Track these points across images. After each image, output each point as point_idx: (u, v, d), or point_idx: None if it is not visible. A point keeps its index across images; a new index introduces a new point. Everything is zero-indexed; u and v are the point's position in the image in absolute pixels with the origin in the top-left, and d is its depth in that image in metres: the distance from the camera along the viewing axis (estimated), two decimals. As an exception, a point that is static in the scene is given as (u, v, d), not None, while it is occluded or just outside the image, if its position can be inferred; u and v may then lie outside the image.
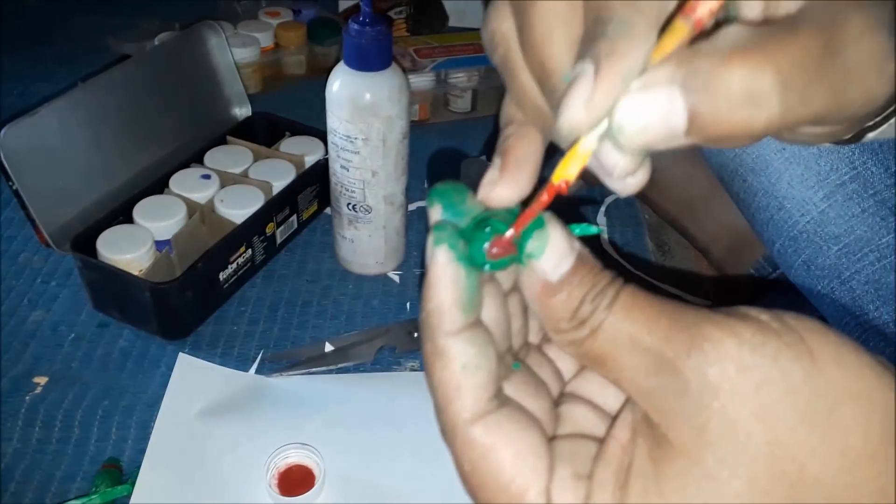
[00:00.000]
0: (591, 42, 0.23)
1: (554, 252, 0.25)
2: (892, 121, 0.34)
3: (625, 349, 0.23)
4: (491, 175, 0.28)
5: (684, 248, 0.87)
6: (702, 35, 0.23)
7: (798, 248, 0.63)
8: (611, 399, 0.28)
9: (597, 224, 0.29)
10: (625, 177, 0.24)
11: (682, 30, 0.22)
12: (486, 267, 0.26)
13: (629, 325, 0.23)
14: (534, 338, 0.31)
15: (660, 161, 0.86)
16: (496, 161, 0.28)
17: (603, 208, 0.91)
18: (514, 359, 0.29)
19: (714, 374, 0.22)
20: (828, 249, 0.61)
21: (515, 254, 0.25)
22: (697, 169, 0.82)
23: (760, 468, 0.22)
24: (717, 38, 0.22)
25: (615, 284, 0.24)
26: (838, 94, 0.23)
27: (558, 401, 0.29)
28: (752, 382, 0.22)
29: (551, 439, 0.27)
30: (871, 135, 0.35)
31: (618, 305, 0.24)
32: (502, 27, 0.28)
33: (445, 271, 0.25)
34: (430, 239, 0.25)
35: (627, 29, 0.23)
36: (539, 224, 0.25)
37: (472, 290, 0.25)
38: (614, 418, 0.26)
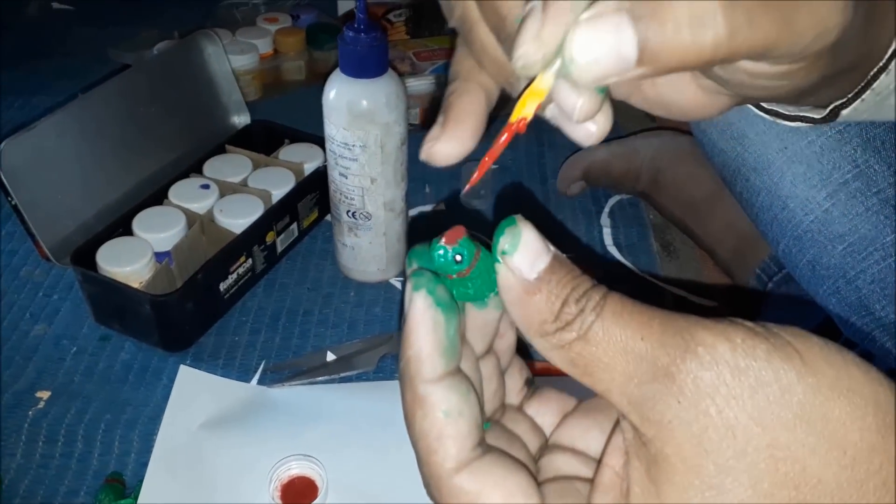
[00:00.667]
0: None
1: (528, 249, 0.24)
2: (864, 98, 0.33)
3: (617, 355, 0.23)
4: (433, 131, 0.28)
5: (690, 248, 0.86)
6: None
7: (803, 248, 0.62)
8: (594, 443, 0.28)
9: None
10: (585, 119, 0.24)
11: None
12: (460, 276, 0.25)
13: (620, 330, 0.23)
14: (514, 399, 0.30)
15: (664, 161, 0.85)
16: (439, 118, 0.28)
17: (607, 209, 0.90)
18: (484, 419, 0.28)
19: (710, 378, 0.22)
20: (832, 249, 0.60)
21: (477, 253, 0.25)
22: (701, 169, 0.82)
23: (762, 472, 0.21)
24: None
25: (600, 289, 0.24)
26: (787, 19, 0.22)
27: (538, 454, 0.29)
28: (748, 385, 0.22)
29: (539, 484, 0.26)
30: (844, 112, 0.35)
31: (607, 310, 0.23)
32: None
33: (424, 317, 0.25)
34: (409, 285, 0.25)
35: None
36: (510, 222, 0.25)
37: (453, 336, 0.25)
38: (605, 447, 0.26)
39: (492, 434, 0.28)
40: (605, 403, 0.28)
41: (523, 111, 0.24)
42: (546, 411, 0.30)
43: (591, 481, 0.26)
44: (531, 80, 0.24)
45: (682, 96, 0.29)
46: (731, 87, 0.27)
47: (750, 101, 0.29)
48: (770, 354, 0.22)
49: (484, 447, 0.25)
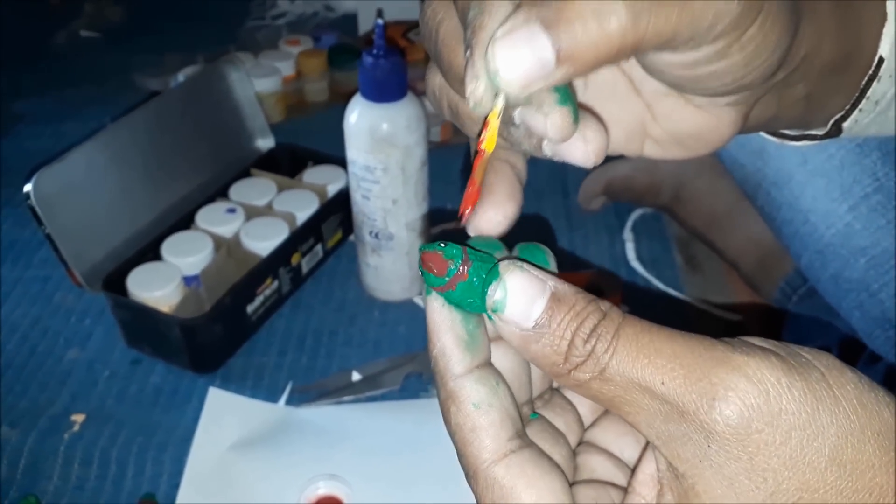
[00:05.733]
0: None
1: (518, 300, 0.24)
2: (861, 108, 0.34)
3: (637, 393, 0.23)
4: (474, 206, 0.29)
5: (714, 262, 0.86)
6: None
7: (825, 262, 0.62)
8: (627, 449, 0.28)
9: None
10: (563, 134, 0.25)
11: None
12: (439, 290, 0.26)
13: (638, 372, 0.23)
14: (553, 383, 0.31)
15: (686, 175, 0.85)
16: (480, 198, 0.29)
17: (629, 224, 0.90)
18: (531, 410, 0.29)
19: (741, 425, 0.22)
20: (855, 262, 0.60)
21: (462, 277, 0.25)
22: (723, 182, 0.81)
23: None
24: None
25: (611, 321, 0.23)
26: (684, 3, 0.24)
27: (576, 450, 0.29)
28: (781, 431, 0.22)
29: (571, 485, 0.26)
30: (845, 125, 0.35)
31: (621, 348, 0.23)
32: (435, 82, 0.30)
33: (441, 315, 0.26)
34: (424, 291, 0.26)
35: (480, 8, 0.25)
36: (494, 275, 0.25)
37: (472, 330, 0.26)
38: (634, 470, 0.26)
39: (538, 426, 0.28)
40: None
41: (481, 138, 0.26)
42: (580, 401, 0.30)
43: (623, 490, 0.27)
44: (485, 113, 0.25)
45: (688, 124, 0.30)
46: (690, 86, 0.28)
47: (741, 91, 0.29)
48: (805, 396, 0.22)
49: (523, 440, 0.26)
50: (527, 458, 0.25)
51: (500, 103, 0.25)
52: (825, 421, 0.22)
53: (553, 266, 0.28)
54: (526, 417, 0.28)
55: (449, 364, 0.25)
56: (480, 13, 0.25)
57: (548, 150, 0.27)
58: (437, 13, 0.28)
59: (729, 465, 0.22)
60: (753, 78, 0.27)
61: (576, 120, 0.25)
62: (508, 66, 0.23)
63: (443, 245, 0.26)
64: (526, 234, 0.28)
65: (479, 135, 0.26)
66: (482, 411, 0.25)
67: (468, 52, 0.25)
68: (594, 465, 0.28)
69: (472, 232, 0.28)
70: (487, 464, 0.25)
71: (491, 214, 0.28)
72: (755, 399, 0.22)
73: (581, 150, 0.26)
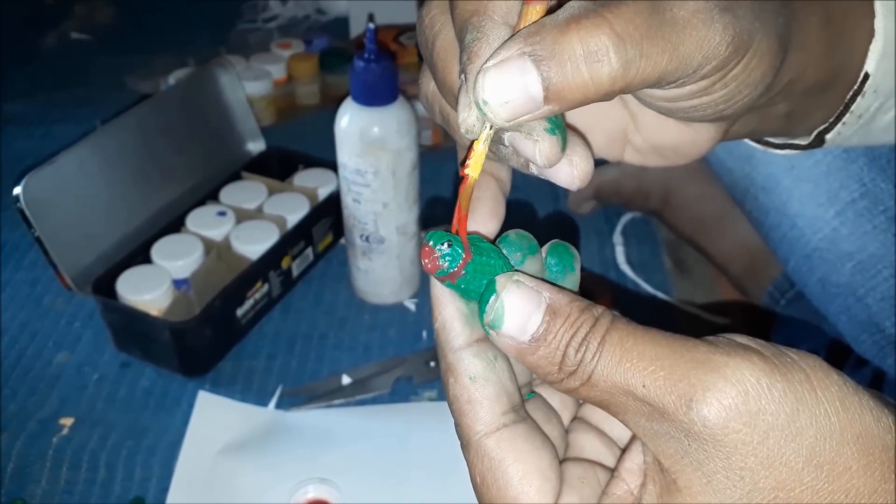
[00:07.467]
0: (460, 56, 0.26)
1: (515, 317, 0.25)
2: (845, 121, 0.34)
3: (622, 396, 0.24)
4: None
5: (703, 265, 0.86)
6: (550, 12, 0.24)
7: (812, 267, 0.63)
8: (617, 428, 0.29)
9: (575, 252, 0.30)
10: (550, 161, 0.25)
11: (529, 13, 0.24)
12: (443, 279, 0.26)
13: (621, 376, 0.23)
14: None
15: (674, 180, 0.86)
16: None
17: (619, 227, 0.91)
18: (529, 390, 0.29)
19: (719, 424, 0.22)
20: (842, 267, 0.60)
21: (452, 280, 0.26)
22: (712, 187, 0.82)
23: None
24: (559, 12, 0.24)
25: (600, 327, 0.24)
26: (674, 47, 0.24)
27: (570, 426, 0.30)
28: (760, 431, 0.22)
29: (561, 462, 0.27)
30: (828, 136, 0.36)
31: (605, 354, 0.24)
32: (429, 88, 0.30)
33: (443, 289, 0.27)
34: None
35: (478, 32, 0.25)
36: (491, 291, 0.25)
37: (473, 305, 0.26)
38: (622, 454, 0.27)
39: (530, 406, 0.28)
40: None
41: (466, 164, 0.26)
42: None
43: (610, 472, 0.27)
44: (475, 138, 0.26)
45: (668, 136, 0.31)
46: (670, 113, 0.28)
47: (720, 120, 0.30)
48: (785, 396, 0.22)
49: (519, 414, 0.26)
50: (519, 432, 0.26)
51: (487, 132, 0.25)
52: (805, 422, 0.22)
53: (577, 269, 0.29)
54: (522, 397, 0.28)
55: (449, 337, 0.26)
56: (477, 39, 0.25)
57: (534, 170, 0.27)
58: (435, 24, 0.28)
59: (707, 463, 0.23)
60: (734, 110, 0.28)
61: (564, 147, 0.25)
62: (496, 98, 0.23)
63: (446, 245, 0.26)
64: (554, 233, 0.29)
65: (464, 161, 0.26)
66: (478, 385, 0.26)
67: (462, 76, 0.25)
68: (584, 444, 0.29)
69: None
70: (480, 435, 0.26)
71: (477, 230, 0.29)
72: (733, 399, 0.22)
73: (567, 173, 0.26)
